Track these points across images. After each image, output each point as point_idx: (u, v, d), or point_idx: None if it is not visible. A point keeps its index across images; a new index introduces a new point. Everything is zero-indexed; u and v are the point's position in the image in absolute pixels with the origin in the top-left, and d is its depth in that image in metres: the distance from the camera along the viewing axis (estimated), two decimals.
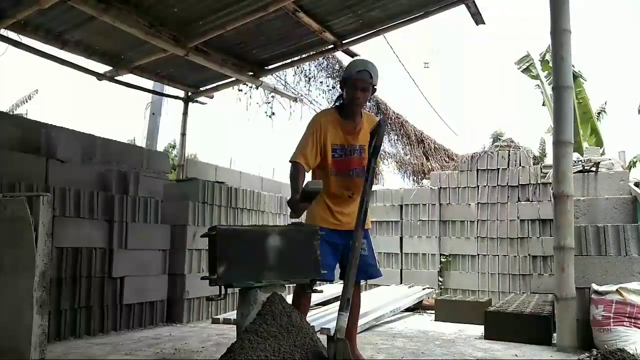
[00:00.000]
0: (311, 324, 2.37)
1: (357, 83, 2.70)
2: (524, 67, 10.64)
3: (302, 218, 2.88)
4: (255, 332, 2.10)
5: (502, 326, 3.94)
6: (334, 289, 6.21)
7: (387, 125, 10.19)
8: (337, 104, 2.90)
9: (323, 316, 4.55)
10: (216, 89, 6.05)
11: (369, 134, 2.71)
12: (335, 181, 2.78)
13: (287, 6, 3.92)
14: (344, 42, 4.66)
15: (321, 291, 2.66)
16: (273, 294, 2.23)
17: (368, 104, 10.26)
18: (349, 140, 2.80)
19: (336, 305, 5.20)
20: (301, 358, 2.09)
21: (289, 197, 2.64)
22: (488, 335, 3.98)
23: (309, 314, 4.71)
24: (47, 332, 2.51)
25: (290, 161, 2.71)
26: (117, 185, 4.31)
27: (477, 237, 6.19)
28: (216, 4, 3.94)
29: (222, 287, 2.16)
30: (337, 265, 2.80)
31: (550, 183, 5.11)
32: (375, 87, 2.80)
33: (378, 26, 4.45)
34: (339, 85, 2.82)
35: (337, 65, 9.42)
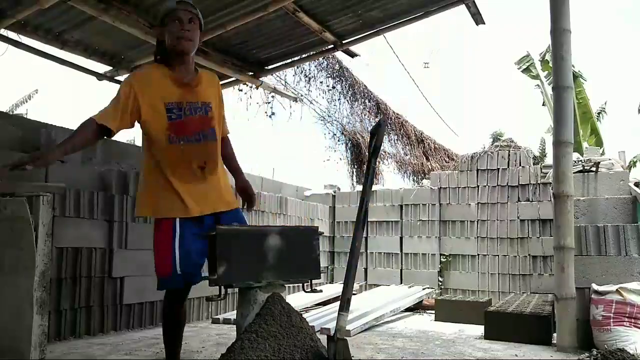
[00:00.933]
0: (311, 324, 2.37)
1: (180, 14, 2.19)
2: (524, 67, 10.66)
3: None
4: (255, 332, 2.10)
5: (502, 326, 3.95)
6: (334, 289, 6.22)
7: (387, 125, 10.19)
8: (157, 57, 2.35)
9: (323, 316, 4.56)
10: None
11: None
12: (179, 150, 2.22)
13: (287, 6, 3.91)
14: (344, 42, 4.66)
15: (320, 291, 2.66)
16: (272, 294, 2.23)
17: (368, 103, 10.26)
18: (186, 97, 2.25)
19: (336, 305, 5.20)
20: (301, 358, 2.09)
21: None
22: (488, 335, 3.98)
23: (309, 313, 4.75)
24: (47, 332, 2.51)
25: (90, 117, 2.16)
26: (117, 185, 4.31)
27: (477, 237, 6.20)
28: (216, 4, 3.94)
29: (222, 287, 2.16)
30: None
31: (550, 183, 5.12)
32: (201, 26, 2.30)
33: (378, 26, 4.45)
34: (156, 32, 2.29)
35: (337, 66, 9.43)
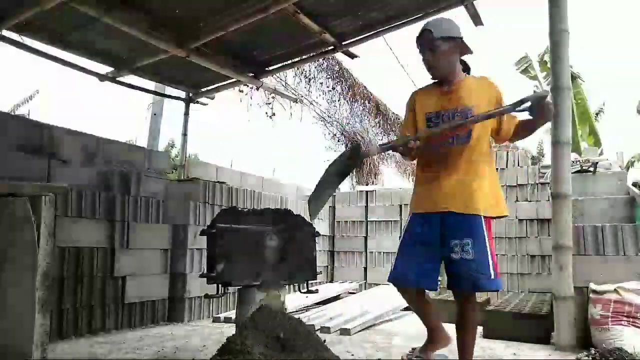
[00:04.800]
0: (310, 323, 2.38)
1: (418, 47, 2.45)
2: (523, 68, 10.68)
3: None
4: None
5: (500, 325, 3.97)
6: (334, 288, 6.24)
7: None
8: None
9: (322, 315, 4.58)
10: (217, 89, 6.07)
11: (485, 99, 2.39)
12: (432, 153, 2.45)
13: (287, 8, 3.93)
14: (343, 43, 4.68)
15: (316, 291, 2.68)
16: (261, 307, 2.18)
17: (367, 104, 10.29)
18: (444, 105, 2.43)
19: (336, 304, 5.22)
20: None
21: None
22: (486, 334, 4.01)
23: (307, 313, 4.77)
24: (49, 331, 2.53)
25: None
26: (119, 185, 4.34)
27: None
28: (217, 6, 3.96)
29: (221, 285, 2.18)
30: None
31: (549, 183, 5.13)
32: (452, 38, 2.39)
33: (378, 27, 4.46)
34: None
35: (337, 67, 9.45)
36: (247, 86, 6.96)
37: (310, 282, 2.51)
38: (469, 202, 2.34)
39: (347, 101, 10.09)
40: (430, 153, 2.44)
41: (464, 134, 2.37)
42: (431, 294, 5.90)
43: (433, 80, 2.54)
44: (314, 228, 2.54)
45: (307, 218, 2.59)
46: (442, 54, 2.38)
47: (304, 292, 2.51)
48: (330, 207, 7.31)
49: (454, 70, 2.44)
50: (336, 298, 5.97)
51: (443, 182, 2.37)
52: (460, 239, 2.29)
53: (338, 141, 10.39)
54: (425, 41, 2.39)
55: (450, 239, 2.30)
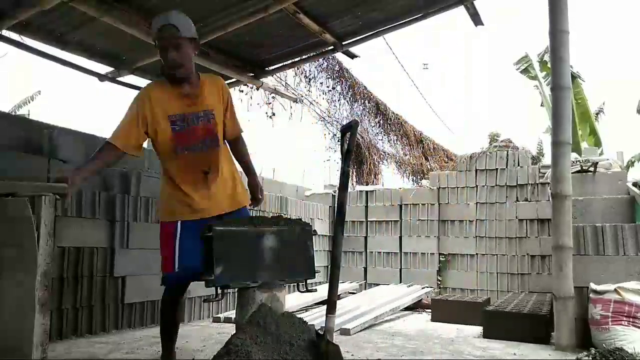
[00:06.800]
0: (311, 323, 2.37)
1: (163, 42, 2.30)
2: (523, 67, 10.69)
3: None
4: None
5: (500, 325, 3.97)
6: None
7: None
8: (163, 72, 2.48)
9: (323, 315, 4.57)
10: None
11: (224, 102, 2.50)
12: (184, 158, 2.41)
13: (287, 8, 3.93)
14: (343, 43, 4.68)
15: (315, 290, 2.66)
16: (261, 306, 2.18)
17: (367, 104, 10.30)
18: (188, 108, 2.40)
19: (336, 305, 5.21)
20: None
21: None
22: (487, 334, 4.01)
23: (308, 312, 4.77)
24: (49, 331, 2.53)
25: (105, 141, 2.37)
26: (119, 185, 4.34)
27: (476, 236, 6.22)
28: (217, 6, 3.96)
29: (219, 288, 2.17)
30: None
31: (549, 183, 5.14)
32: (194, 39, 2.38)
33: (378, 27, 4.47)
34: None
35: (337, 67, 9.46)
36: (247, 86, 6.95)
37: (309, 281, 2.50)
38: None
39: (347, 101, 10.10)
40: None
41: (213, 138, 2.44)
42: (431, 294, 5.91)
43: (158, 78, 2.51)
44: (311, 226, 2.54)
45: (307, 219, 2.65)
46: (188, 54, 2.34)
47: (303, 292, 2.50)
48: (329, 207, 7.32)
49: (193, 70, 2.42)
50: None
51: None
52: None
53: (338, 141, 10.38)
54: (171, 38, 2.28)
55: None
